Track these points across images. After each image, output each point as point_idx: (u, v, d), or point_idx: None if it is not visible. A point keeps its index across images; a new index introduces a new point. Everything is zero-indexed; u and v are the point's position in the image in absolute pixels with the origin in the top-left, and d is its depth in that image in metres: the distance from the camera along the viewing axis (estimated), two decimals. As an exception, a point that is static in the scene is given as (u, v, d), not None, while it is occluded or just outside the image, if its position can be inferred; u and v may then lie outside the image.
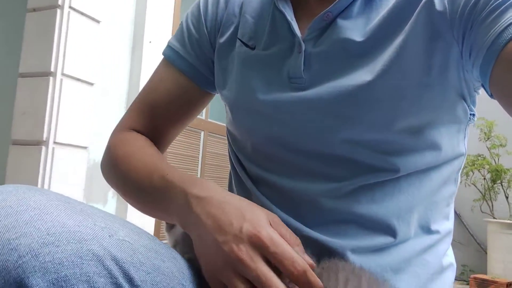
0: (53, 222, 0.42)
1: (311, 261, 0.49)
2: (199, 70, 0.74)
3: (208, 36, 0.73)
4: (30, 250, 0.39)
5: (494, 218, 3.29)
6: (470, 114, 0.62)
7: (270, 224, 0.50)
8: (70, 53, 1.90)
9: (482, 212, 3.43)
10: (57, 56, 1.87)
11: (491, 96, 0.54)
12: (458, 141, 0.63)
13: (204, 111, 3.05)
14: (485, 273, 3.15)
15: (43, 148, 1.79)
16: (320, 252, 0.55)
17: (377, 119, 0.57)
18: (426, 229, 0.60)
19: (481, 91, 0.60)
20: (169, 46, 0.76)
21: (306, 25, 0.63)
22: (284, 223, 0.55)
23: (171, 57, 0.75)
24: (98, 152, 2.02)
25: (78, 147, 1.91)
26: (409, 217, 0.58)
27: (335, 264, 0.53)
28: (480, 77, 0.53)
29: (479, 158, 3.37)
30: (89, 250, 0.42)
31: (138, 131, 0.74)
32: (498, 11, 0.50)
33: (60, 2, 1.88)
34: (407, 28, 0.56)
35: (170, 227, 0.62)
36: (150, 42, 2.26)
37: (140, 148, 0.69)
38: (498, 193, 3.35)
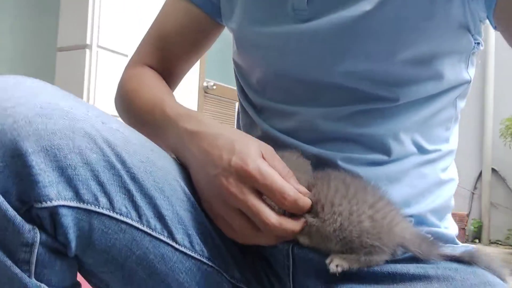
0: (47, 100, 0.44)
1: (305, 189, 0.51)
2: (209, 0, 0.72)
3: None
4: (25, 117, 0.42)
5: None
6: (475, 43, 0.61)
7: (263, 157, 0.50)
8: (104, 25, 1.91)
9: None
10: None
11: (495, 28, 0.54)
12: (461, 70, 0.62)
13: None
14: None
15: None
16: (316, 165, 0.57)
17: (377, 50, 0.57)
18: (422, 149, 0.61)
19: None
20: None
21: None
22: (281, 142, 0.58)
23: None
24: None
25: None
26: (404, 138, 0.59)
27: (327, 174, 0.54)
28: (485, 8, 0.54)
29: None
30: (81, 128, 0.45)
31: (149, 66, 0.74)
32: None
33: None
34: None
35: None
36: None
37: (147, 82, 0.70)
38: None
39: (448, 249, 0.53)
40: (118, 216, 0.46)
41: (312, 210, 0.51)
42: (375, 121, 0.59)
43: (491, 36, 3.80)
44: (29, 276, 0.42)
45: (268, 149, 0.53)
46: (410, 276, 0.52)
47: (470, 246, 0.59)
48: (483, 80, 4.11)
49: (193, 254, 0.51)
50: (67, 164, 0.43)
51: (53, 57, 2.13)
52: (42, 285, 0.43)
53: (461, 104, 0.65)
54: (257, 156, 0.50)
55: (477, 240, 4.13)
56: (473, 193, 4.26)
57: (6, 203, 0.40)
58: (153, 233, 0.48)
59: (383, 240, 0.49)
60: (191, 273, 0.51)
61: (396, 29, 0.56)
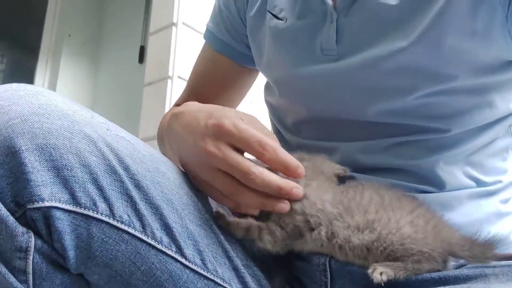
0: (46, 102, 0.43)
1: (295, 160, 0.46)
2: (234, 48, 0.77)
3: (238, 12, 0.75)
4: (20, 115, 0.40)
5: None
6: None
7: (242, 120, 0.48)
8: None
9: None
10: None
11: None
12: None
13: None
14: None
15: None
16: None
17: (413, 86, 0.54)
18: (479, 182, 0.57)
19: None
20: (206, 28, 0.79)
21: None
22: None
23: (208, 38, 0.79)
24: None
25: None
26: (456, 170, 0.55)
27: (360, 183, 0.50)
28: None
29: None
30: (81, 131, 0.43)
31: None
32: None
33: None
34: None
35: None
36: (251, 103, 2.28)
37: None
38: None
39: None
40: (119, 225, 0.42)
41: (340, 218, 0.46)
42: (421, 154, 0.55)
43: None
44: None
45: (250, 117, 0.50)
46: (465, 277, 0.44)
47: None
48: None
49: (205, 273, 0.46)
50: (63, 165, 0.40)
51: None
52: None
53: None
54: (235, 117, 0.47)
55: None
56: None
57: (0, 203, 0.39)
58: (159, 246, 0.44)
59: (431, 245, 0.44)
60: None
61: (435, 65, 0.52)
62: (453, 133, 0.55)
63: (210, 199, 0.51)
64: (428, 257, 0.44)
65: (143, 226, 0.43)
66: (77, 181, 0.41)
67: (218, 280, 0.46)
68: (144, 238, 0.43)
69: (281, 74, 0.66)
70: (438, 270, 0.45)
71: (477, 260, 0.45)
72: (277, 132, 0.71)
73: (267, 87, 0.73)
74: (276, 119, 0.71)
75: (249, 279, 0.48)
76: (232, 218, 0.49)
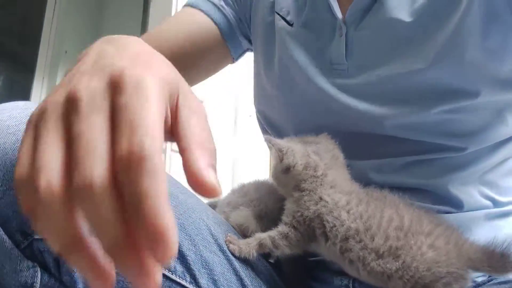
0: None
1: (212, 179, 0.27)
2: (229, 21, 0.70)
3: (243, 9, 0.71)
4: None
5: None
6: None
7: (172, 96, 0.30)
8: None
9: None
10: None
11: None
12: None
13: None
14: None
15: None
16: None
17: (435, 101, 0.52)
18: (495, 202, 0.55)
19: None
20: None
21: (347, 4, 0.57)
22: None
23: (205, 6, 0.70)
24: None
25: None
26: (472, 189, 0.54)
27: (383, 197, 0.48)
28: None
29: None
30: None
31: None
32: None
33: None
34: (462, 6, 0.49)
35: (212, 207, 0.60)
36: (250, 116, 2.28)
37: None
38: None
39: None
40: None
41: (357, 236, 0.44)
42: (436, 172, 0.54)
43: None
44: None
45: (189, 93, 0.31)
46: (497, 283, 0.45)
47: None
48: None
49: None
50: None
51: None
52: None
53: None
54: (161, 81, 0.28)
55: None
56: None
57: (3, 233, 0.36)
58: (173, 276, 0.41)
59: (456, 264, 0.43)
60: None
61: (451, 83, 0.51)
62: (469, 151, 0.53)
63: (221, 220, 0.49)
64: (456, 277, 0.43)
65: None
66: None
67: None
68: None
69: (288, 86, 0.62)
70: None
71: (497, 272, 0.44)
72: None
73: (262, 95, 0.67)
74: (273, 130, 0.66)
75: None
76: (242, 241, 0.47)
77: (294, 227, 0.47)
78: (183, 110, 0.28)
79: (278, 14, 0.64)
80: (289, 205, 0.49)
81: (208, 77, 0.74)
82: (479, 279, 0.50)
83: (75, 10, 2.56)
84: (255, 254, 0.46)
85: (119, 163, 0.23)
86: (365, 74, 0.55)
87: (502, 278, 0.48)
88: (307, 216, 0.46)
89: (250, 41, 0.72)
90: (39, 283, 0.37)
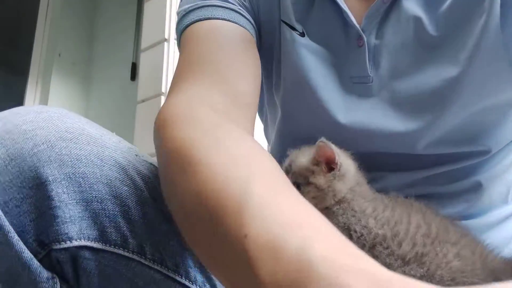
0: (73, 124, 0.39)
1: None
2: (245, 17, 0.57)
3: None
4: (46, 141, 0.37)
5: None
6: None
7: None
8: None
9: None
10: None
11: None
12: None
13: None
14: None
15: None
16: None
17: (461, 111, 0.50)
18: (507, 200, 0.56)
19: None
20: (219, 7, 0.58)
21: (360, 12, 0.53)
22: None
23: (207, 13, 0.56)
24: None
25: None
26: (498, 189, 0.54)
27: (410, 204, 0.47)
28: None
29: None
30: (111, 157, 0.39)
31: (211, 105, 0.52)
32: None
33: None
34: (486, 4, 0.47)
35: None
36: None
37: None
38: None
39: None
40: (150, 264, 0.39)
41: (384, 243, 0.43)
42: (460, 176, 0.53)
43: None
44: None
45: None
46: None
47: None
48: None
49: None
50: (92, 196, 0.37)
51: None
52: None
53: None
54: None
55: None
56: None
57: (22, 243, 0.35)
58: (194, 287, 0.40)
59: (481, 275, 0.42)
60: None
61: (482, 86, 0.49)
62: (493, 153, 0.53)
63: None
64: None
65: (176, 265, 0.40)
66: (107, 214, 0.37)
67: None
68: (178, 278, 0.40)
69: (304, 105, 0.56)
70: None
71: None
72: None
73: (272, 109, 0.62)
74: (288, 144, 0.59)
75: None
76: None
77: None
78: None
79: (285, 22, 0.57)
80: None
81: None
82: None
83: (68, 12, 2.54)
84: None
85: None
86: (393, 86, 0.51)
87: None
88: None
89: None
90: None
